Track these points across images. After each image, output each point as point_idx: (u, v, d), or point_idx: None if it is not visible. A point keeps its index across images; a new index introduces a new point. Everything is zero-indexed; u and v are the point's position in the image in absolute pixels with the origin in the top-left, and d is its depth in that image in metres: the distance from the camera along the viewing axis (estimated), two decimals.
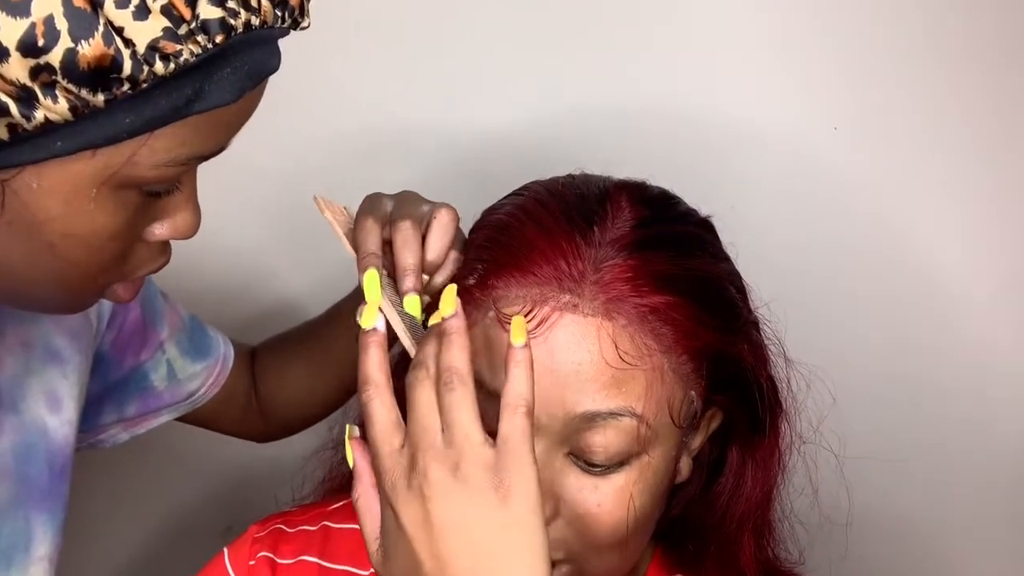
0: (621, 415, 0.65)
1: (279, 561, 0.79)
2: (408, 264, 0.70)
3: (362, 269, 0.69)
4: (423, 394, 0.60)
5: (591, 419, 0.65)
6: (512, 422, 0.59)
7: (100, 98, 0.52)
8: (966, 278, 1.04)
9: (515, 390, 0.59)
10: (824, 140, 1.02)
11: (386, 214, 0.74)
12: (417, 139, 1.06)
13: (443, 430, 0.59)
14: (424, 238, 0.72)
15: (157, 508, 1.26)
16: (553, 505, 0.67)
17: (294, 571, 0.79)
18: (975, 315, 1.04)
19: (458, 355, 0.60)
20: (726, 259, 0.75)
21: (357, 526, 0.80)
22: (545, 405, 0.65)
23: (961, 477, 1.08)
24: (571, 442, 0.66)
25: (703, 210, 0.77)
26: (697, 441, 0.73)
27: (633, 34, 1.02)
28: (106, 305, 0.83)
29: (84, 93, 0.52)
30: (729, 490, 0.74)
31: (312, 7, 0.60)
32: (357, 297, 0.88)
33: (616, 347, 0.64)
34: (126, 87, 0.52)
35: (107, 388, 0.88)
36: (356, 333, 0.65)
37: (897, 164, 1.02)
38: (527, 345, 0.60)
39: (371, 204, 0.75)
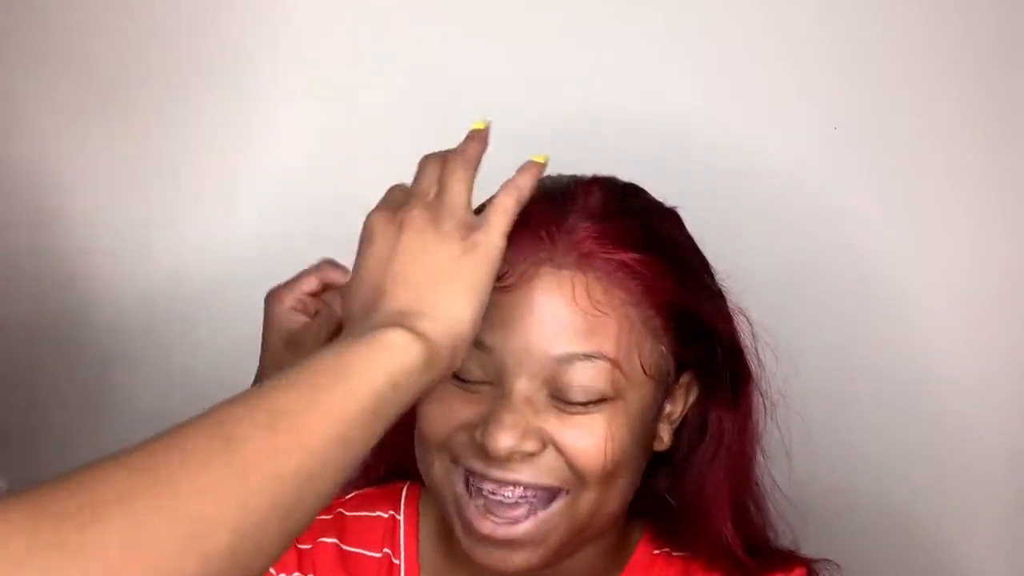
0: (595, 357, 0.71)
1: (300, 547, 0.84)
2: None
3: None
4: (429, 166, 0.70)
5: (568, 360, 0.71)
6: (501, 200, 0.68)
7: None
8: (966, 278, 1.04)
9: (518, 183, 0.69)
10: (824, 140, 1.04)
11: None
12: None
13: (437, 194, 0.68)
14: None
15: None
16: (539, 439, 0.72)
17: (315, 553, 0.83)
18: (974, 314, 1.04)
19: (473, 147, 0.70)
20: (693, 243, 0.79)
21: (369, 513, 0.85)
22: (527, 348, 0.71)
23: (947, 466, 1.07)
24: (551, 383, 0.72)
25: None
26: (676, 411, 0.78)
27: (631, 33, 1.04)
28: None
29: None
30: (708, 458, 0.79)
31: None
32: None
33: (588, 296, 0.71)
34: None
35: None
36: None
37: (898, 164, 1.03)
38: (541, 166, 0.71)
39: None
